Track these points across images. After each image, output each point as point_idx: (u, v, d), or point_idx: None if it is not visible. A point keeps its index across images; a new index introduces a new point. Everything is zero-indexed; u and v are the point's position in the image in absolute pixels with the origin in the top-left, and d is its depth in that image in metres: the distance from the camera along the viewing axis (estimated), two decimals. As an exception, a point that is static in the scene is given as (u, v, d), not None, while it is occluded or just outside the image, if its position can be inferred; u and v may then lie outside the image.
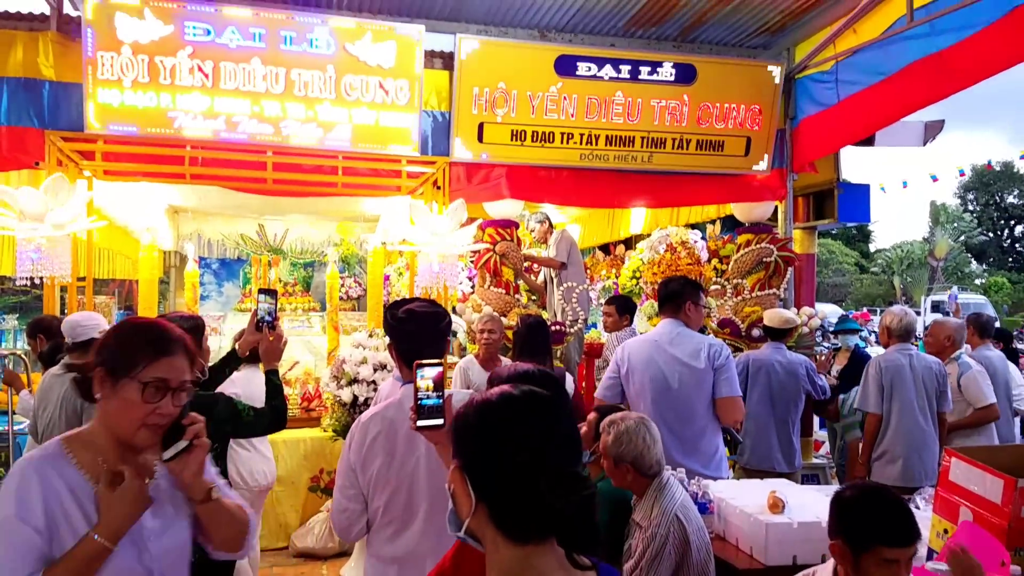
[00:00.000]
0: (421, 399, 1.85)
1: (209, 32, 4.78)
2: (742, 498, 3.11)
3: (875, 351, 7.26)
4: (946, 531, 2.33)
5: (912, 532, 1.99)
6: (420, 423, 1.84)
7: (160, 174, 5.11)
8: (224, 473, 3.05)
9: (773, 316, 5.21)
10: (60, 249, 4.50)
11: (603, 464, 2.80)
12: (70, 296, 5.01)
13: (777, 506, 2.96)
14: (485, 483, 1.18)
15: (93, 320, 3.66)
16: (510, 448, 1.17)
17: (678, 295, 3.75)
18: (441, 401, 1.85)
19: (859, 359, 6.31)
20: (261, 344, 3.06)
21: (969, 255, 40.20)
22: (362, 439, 2.27)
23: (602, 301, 8.17)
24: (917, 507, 2.96)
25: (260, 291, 3.12)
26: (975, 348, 5.72)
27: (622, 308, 5.55)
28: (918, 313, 25.21)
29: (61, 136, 4.78)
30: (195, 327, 2.97)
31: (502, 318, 5.55)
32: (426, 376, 1.85)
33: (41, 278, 4.53)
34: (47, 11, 4.92)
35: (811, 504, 3.05)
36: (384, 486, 2.22)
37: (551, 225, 6.93)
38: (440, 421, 1.84)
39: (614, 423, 2.77)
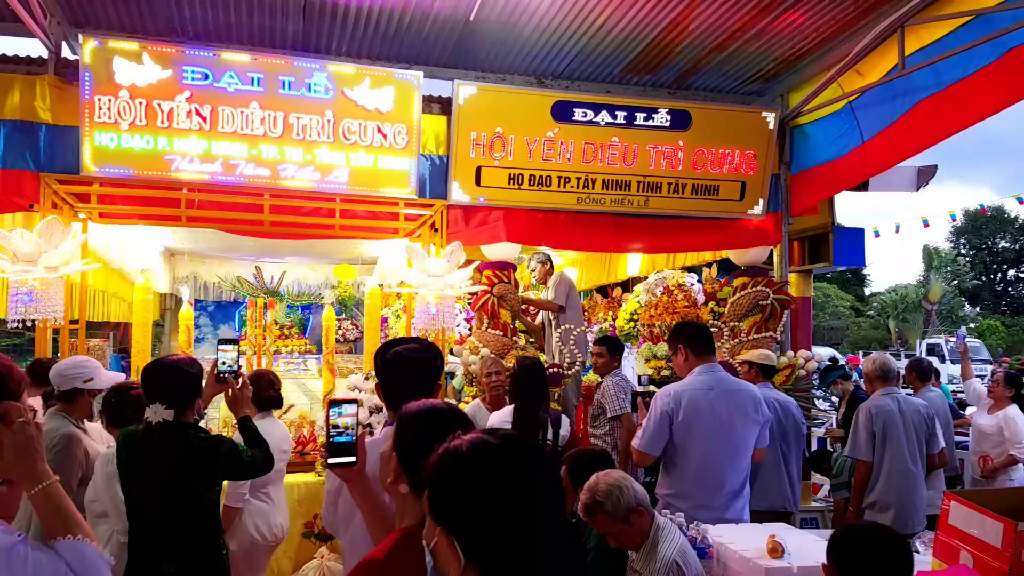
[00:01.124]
0: (333, 436, 1.82)
1: (207, 76, 4.82)
2: (741, 542, 3.07)
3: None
4: None
5: (907, 573, 2.00)
6: (332, 460, 1.81)
7: (156, 217, 5.10)
8: (215, 526, 2.99)
9: (760, 355, 5.12)
10: (53, 292, 4.44)
11: (617, 538, 2.68)
12: (62, 339, 4.95)
13: (776, 551, 2.93)
14: (476, 545, 1.09)
15: (78, 368, 3.53)
16: (498, 505, 1.10)
17: (711, 335, 3.83)
18: (354, 439, 1.82)
19: (857, 402, 6.25)
20: (227, 394, 3.08)
21: (963, 299, 40.36)
22: (333, 479, 2.24)
23: (599, 343, 8.14)
24: (917, 551, 2.94)
25: (220, 341, 3.14)
26: (917, 391, 5.69)
27: (613, 349, 5.47)
28: (912, 356, 25.16)
29: (56, 179, 4.77)
30: (200, 372, 3.00)
31: (500, 360, 5.50)
32: (344, 413, 1.83)
33: (33, 321, 4.47)
34: (45, 55, 4.96)
35: (810, 548, 3.00)
36: (347, 527, 2.19)
37: (552, 266, 6.91)
38: (352, 459, 1.82)
39: (600, 502, 2.64)
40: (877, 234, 13.46)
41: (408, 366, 2.24)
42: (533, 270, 6.85)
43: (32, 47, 5.08)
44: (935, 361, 22.02)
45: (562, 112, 5.58)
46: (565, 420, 4.28)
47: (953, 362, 22.42)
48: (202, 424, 3.22)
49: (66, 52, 5.07)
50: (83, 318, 5.15)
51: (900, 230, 14.33)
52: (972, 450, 5.86)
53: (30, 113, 4.77)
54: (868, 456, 4.57)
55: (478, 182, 5.55)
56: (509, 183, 5.61)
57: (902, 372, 5.86)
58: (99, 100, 4.69)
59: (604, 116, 5.66)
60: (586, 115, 5.63)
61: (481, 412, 4.54)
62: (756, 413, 3.67)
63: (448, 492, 1.14)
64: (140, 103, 4.74)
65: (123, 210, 5.01)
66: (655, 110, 5.76)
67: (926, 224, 14.08)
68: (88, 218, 4.98)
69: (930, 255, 41.01)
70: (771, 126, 5.99)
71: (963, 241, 44.14)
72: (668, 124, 5.80)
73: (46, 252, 4.32)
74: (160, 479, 2.75)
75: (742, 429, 3.62)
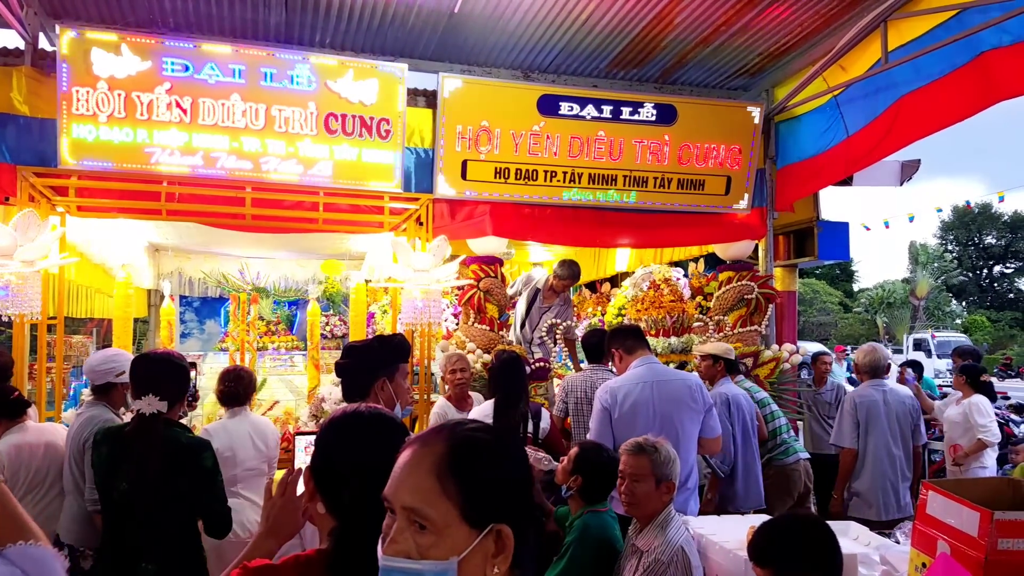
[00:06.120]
0: None
1: (188, 68, 4.76)
2: (722, 534, 3.06)
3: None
4: (924, 564, 2.28)
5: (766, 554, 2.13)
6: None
7: (136, 210, 5.04)
8: (195, 525, 2.94)
9: (720, 347, 4.99)
10: (29, 286, 4.37)
11: (637, 489, 2.73)
12: (40, 335, 4.88)
13: (757, 542, 2.92)
14: (522, 527, 1.08)
15: (109, 363, 3.44)
16: (530, 482, 1.10)
17: (639, 330, 3.92)
18: None
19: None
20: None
21: (949, 294, 40.68)
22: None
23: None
24: (897, 541, 2.94)
25: None
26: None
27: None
28: (900, 351, 25.39)
29: (34, 172, 4.70)
30: (188, 367, 3.00)
31: (485, 354, 5.46)
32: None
33: (10, 316, 4.40)
34: (22, 46, 4.89)
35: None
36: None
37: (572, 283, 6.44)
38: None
39: (657, 449, 2.80)
40: (868, 228, 13.58)
41: (339, 362, 2.27)
42: (563, 279, 6.13)
43: (8, 38, 5.01)
44: (922, 356, 22.12)
45: (548, 106, 5.56)
46: (545, 413, 4.27)
47: (940, 356, 22.62)
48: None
49: (43, 43, 4.99)
50: (61, 313, 5.08)
51: (889, 226, 14.47)
52: (945, 441, 5.92)
53: (6, 105, 4.70)
54: (853, 444, 4.64)
55: (464, 176, 5.52)
56: (495, 177, 5.58)
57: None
58: (77, 92, 4.62)
59: (590, 110, 5.64)
60: (572, 109, 5.60)
61: (450, 410, 4.48)
62: (693, 401, 3.64)
63: (499, 481, 1.08)
64: (119, 95, 4.68)
65: (102, 203, 4.94)
66: (641, 104, 5.75)
67: (912, 220, 14.18)
68: (66, 211, 4.91)
69: (916, 251, 41.30)
70: (756, 121, 5.99)
71: (951, 237, 44.46)
72: (654, 119, 5.78)
73: (22, 246, 4.25)
74: (149, 472, 2.70)
75: (680, 418, 3.59)
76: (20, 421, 3.54)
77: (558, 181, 5.71)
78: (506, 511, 1.04)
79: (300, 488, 1.56)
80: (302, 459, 1.67)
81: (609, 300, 7.73)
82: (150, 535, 2.72)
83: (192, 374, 3.54)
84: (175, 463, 2.76)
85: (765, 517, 3.51)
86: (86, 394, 5.06)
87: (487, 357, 5.43)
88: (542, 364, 5.71)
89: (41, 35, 4.97)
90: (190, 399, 3.39)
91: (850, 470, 4.68)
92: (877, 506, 4.58)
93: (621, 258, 8.16)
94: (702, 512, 4.48)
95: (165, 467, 2.73)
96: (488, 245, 5.80)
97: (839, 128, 5.63)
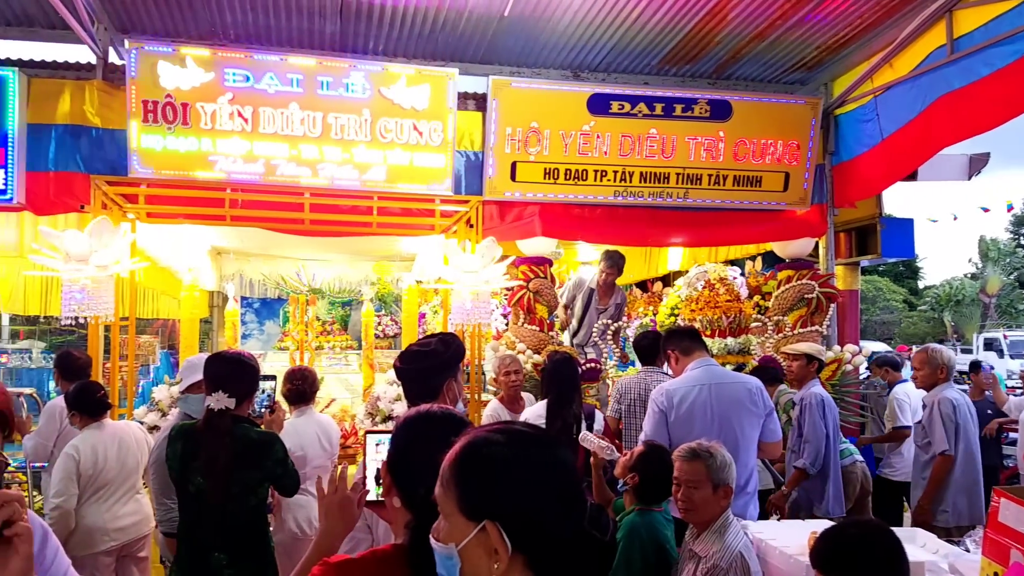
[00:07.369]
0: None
1: (248, 78, 4.92)
2: (782, 539, 3.01)
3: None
4: (996, 574, 2.20)
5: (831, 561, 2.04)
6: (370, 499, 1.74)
7: (201, 216, 5.23)
8: (264, 517, 3.07)
9: (814, 347, 4.96)
10: (103, 289, 4.59)
11: (694, 496, 2.70)
12: (113, 335, 5.11)
13: (819, 546, 2.85)
14: (527, 531, 1.07)
15: (191, 371, 3.53)
16: (547, 490, 1.10)
17: (696, 331, 3.87)
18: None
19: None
20: (263, 422, 3.35)
21: (1023, 291, 38.75)
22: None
23: (638, 339, 8.05)
24: (967, 549, 2.82)
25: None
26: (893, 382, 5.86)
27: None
28: (969, 351, 24.30)
29: (106, 180, 4.93)
30: (259, 368, 3.11)
31: (536, 355, 5.48)
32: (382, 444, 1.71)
33: (86, 318, 4.63)
34: (93, 60, 5.14)
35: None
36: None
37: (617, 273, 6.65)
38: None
39: (712, 454, 2.74)
40: (935, 221, 13.09)
41: (407, 363, 2.34)
42: (606, 266, 6.44)
43: (81, 53, 5.28)
44: (993, 356, 21.19)
45: (598, 105, 5.54)
46: (598, 414, 4.25)
47: (1012, 357, 21.61)
48: None
49: (113, 57, 5.23)
50: (133, 315, 5.31)
51: (957, 218, 13.94)
52: (1019, 446, 5.65)
53: (80, 117, 4.95)
54: (952, 449, 4.36)
55: (513, 177, 5.55)
56: (545, 178, 5.59)
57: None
58: (145, 104, 4.83)
59: (641, 108, 5.59)
60: (623, 107, 5.57)
61: (503, 412, 4.50)
62: (753, 404, 3.55)
63: (492, 482, 1.10)
64: (184, 106, 4.87)
65: (169, 210, 5.15)
66: (694, 101, 5.67)
67: (986, 210, 13.55)
68: (136, 218, 5.13)
69: (987, 246, 39.49)
70: (814, 116, 5.84)
71: (1023, 231, 42.35)
72: (708, 115, 5.70)
73: (96, 251, 4.46)
74: (220, 465, 2.81)
75: (739, 421, 3.51)
76: (100, 419, 3.74)
77: (608, 180, 5.68)
78: (501, 511, 1.08)
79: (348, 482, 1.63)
80: (372, 456, 1.71)
81: (661, 300, 7.65)
82: (222, 526, 2.83)
83: (272, 384, 3.65)
84: (247, 457, 2.86)
85: (827, 523, 3.44)
86: (157, 392, 5.30)
87: (537, 358, 5.46)
88: (593, 365, 5.69)
89: (111, 50, 5.21)
90: (268, 410, 3.48)
91: (946, 477, 4.35)
92: (976, 511, 4.31)
93: (674, 257, 8.06)
94: (775, 507, 4.41)
95: (236, 461, 2.83)
96: (537, 246, 5.82)
97: (875, 129, 5.47)
